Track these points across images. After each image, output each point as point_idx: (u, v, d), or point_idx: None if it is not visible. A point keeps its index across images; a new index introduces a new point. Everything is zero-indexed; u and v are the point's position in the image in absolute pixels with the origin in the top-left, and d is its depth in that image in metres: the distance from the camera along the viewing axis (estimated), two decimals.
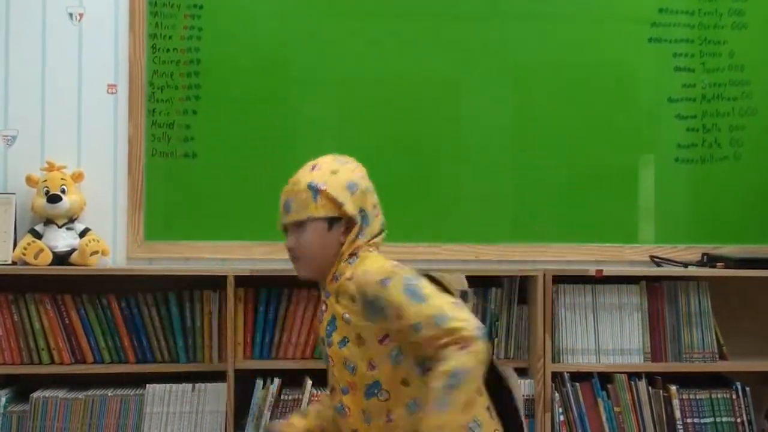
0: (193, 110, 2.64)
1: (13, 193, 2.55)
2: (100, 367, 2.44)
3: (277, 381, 2.42)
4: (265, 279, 2.45)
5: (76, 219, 2.55)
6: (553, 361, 2.47)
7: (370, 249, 1.85)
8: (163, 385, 2.42)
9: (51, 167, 2.53)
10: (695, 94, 2.77)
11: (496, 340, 2.50)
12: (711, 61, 2.78)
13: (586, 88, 2.74)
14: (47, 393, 2.40)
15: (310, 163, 1.88)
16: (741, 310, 2.71)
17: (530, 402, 2.46)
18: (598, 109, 2.74)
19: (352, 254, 1.83)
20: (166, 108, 2.64)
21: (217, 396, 2.42)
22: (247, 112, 2.65)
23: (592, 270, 2.50)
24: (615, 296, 2.54)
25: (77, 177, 2.56)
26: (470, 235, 2.69)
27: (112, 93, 2.63)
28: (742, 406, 2.51)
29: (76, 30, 2.63)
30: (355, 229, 1.83)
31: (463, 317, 1.65)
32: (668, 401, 2.50)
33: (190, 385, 2.43)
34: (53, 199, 2.48)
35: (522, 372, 2.51)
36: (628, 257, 2.73)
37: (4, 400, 2.39)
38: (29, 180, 2.52)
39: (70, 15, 2.63)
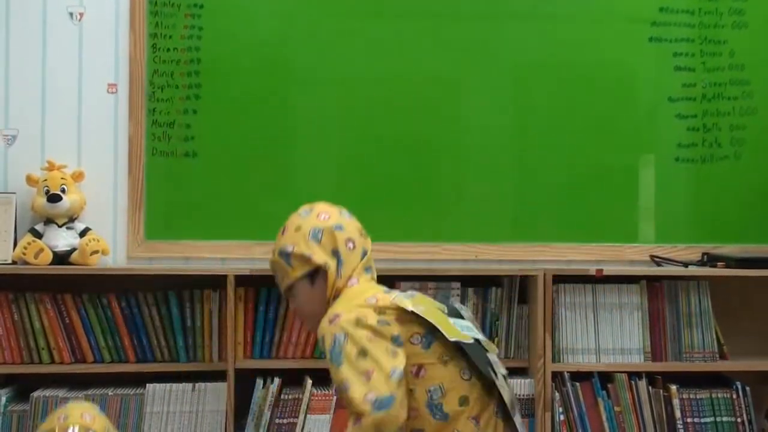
0: (194, 110, 2.64)
1: (14, 193, 2.55)
2: (100, 366, 2.44)
3: (277, 380, 2.42)
4: (265, 278, 2.43)
5: (76, 218, 2.55)
6: (554, 360, 2.47)
7: (353, 280, 1.89)
8: (164, 384, 2.42)
9: (51, 167, 2.53)
10: (695, 93, 2.77)
11: (496, 339, 2.50)
12: (711, 61, 2.78)
13: (586, 88, 2.73)
14: (47, 392, 2.40)
15: (282, 227, 1.97)
16: (741, 309, 2.70)
17: (530, 401, 2.46)
18: (598, 109, 2.74)
19: (336, 295, 1.89)
20: (167, 107, 2.63)
21: (217, 395, 2.42)
22: (248, 111, 2.65)
23: (592, 270, 2.50)
24: (615, 296, 2.53)
25: (77, 176, 2.55)
26: (470, 235, 2.68)
27: (113, 92, 2.63)
28: (743, 405, 2.51)
29: (76, 29, 2.63)
30: (331, 275, 1.88)
31: (357, 392, 1.66)
32: (668, 401, 2.50)
33: (191, 384, 2.43)
34: (53, 198, 2.47)
35: (522, 371, 2.51)
36: (628, 257, 2.72)
37: (4, 399, 2.39)
38: (29, 179, 2.52)
39: (71, 14, 2.63)
